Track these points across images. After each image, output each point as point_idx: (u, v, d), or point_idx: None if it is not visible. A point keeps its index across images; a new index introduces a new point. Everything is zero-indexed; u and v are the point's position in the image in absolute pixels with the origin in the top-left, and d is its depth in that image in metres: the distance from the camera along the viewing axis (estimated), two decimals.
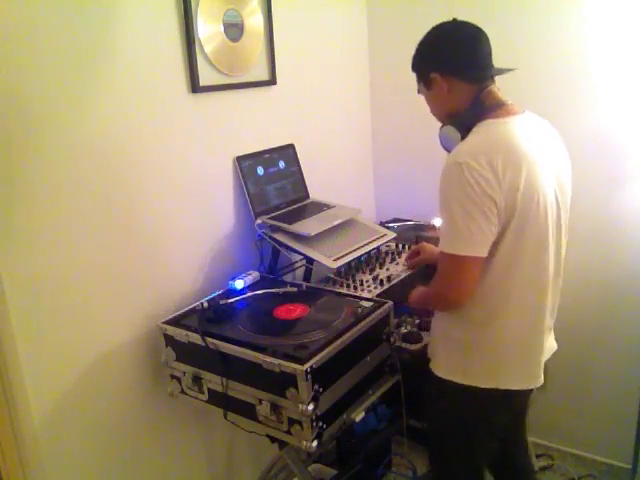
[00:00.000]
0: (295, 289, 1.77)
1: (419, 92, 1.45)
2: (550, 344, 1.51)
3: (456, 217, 1.24)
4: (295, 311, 1.63)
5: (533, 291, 1.36)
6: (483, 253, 1.27)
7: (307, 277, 2.07)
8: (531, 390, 1.47)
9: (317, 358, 1.38)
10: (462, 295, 1.32)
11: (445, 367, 1.46)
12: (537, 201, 1.27)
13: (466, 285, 1.31)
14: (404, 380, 1.65)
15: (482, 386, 1.39)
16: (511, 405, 1.48)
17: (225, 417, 1.54)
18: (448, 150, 1.37)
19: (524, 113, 1.36)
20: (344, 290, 1.86)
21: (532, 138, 1.31)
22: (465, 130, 1.33)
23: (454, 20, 1.38)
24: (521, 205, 1.25)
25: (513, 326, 1.37)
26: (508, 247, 1.29)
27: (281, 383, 1.37)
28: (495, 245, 1.28)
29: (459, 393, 1.42)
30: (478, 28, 1.36)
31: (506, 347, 1.38)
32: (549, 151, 1.35)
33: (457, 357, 1.43)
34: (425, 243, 1.91)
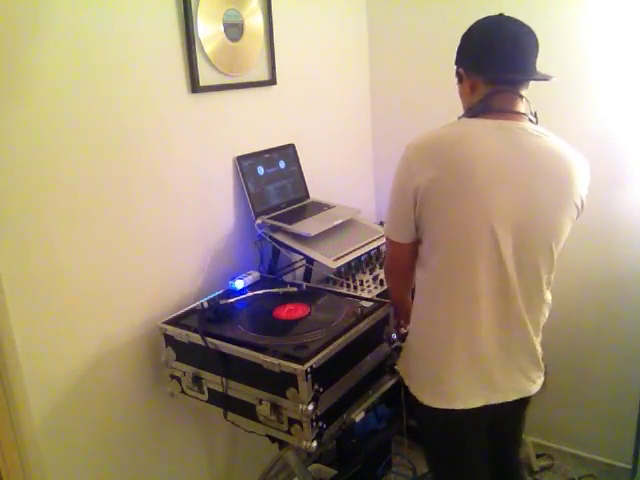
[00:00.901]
0: (295, 289, 1.77)
1: (457, 82, 1.37)
2: (511, 378, 1.37)
3: (390, 201, 1.33)
4: (295, 311, 1.63)
5: (463, 306, 1.29)
6: (406, 239, 1.33)
7: (307, 277, 2.07)
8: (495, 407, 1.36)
9: (317, 358, 1.38)
10: (399, 273, 1.46)
11: (403, 373, 1.50)
12: (477, 208, 1.21)
13: (394, 265, 1.45)
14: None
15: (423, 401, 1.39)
16: (467, 423, 1.39)
17: (225, 417, 1.54)
18: None
19: (522, 122, 1.27)
20: (344, 290, 1.86)
21: (495, 146, 1.22)
22: None
23: (500, 15, 1.29)
24: (451, 208, 1.22)
25: (435, 335, 1.35)
26: (440, 252, 1.29)
27: (281, 383, 1.37)
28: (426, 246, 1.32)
29: (417, 405, 1.41)
30: (519, 24, 1.26)
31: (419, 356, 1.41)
32: (518, 166, 1.23)
33: (408, 364, 1.47)
34: None
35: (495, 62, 1.26)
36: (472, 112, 1.31)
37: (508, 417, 1.50)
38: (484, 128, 1.25)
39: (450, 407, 1.34)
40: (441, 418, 1.37)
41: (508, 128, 1.26)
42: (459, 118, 1.35)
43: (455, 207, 1.23)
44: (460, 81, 1.35)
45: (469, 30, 1.32)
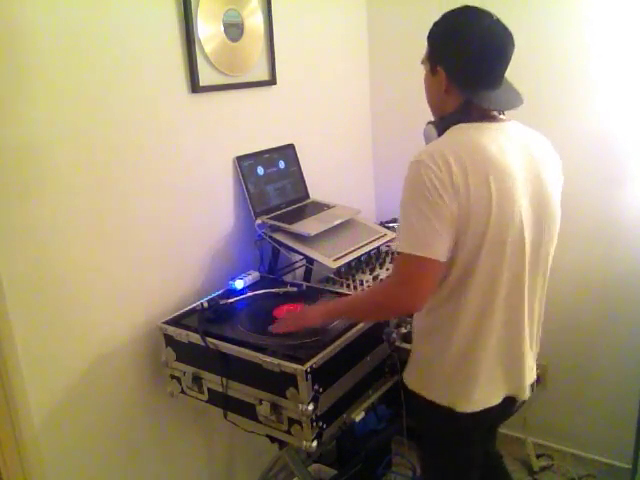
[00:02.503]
0: (295, 289, 1.77)
1: (422, 63, 1.34)
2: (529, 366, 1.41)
3: (412, 217, 1.19)
4: (295, 311, 1.63)
5: (508, 305, 1.29)
6: (439, 256, 1.18)
7: (307, 277, 2.06)
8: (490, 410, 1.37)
9: (317, 358, 1.38)
10: (418, 299, 1.23)
11: (411, 378, 1.43)
12: (505, 209, 1.20)
13: (422, 288, 1.21)
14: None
15: (440, 403, 1.34)
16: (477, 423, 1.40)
17: (225, 417, 1.54)
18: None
19: (506, 122, 1.28)
20: (344, 290, 1.86)
21: (508, 146, 1.24)
22: (441, 132, 1.28)
23: (493, 20, 1.24)
24: (483, 215, 1.18)
25: (462, 342, 1.30)
26: (467, 256, 1.22)
27: (281, 383, 1.37)
28: (454, 252, 1.21)
29: (426, 408, 1.37)
30: (511, 40, 1.25)
31: (448, 364, 1.33)
32: (531, 164, 1.27)
33: (421, 368, 1.40)
34: None
35: (481, 80, 1.25)
36: (456, 117, 1.27)
37: (507, 412, 1.52)
38: (491, 131, 1.25)
39: (480, 408, 1.34)
40: (464, 420, 1.35)
41: (507, 128, 1.28)
42: (437, 123, 1.31)
43: (493, 215, 1.20)
44: (434, 74, 1.30)
45: (459, 31, 1.26)
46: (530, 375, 1.42)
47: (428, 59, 1.32)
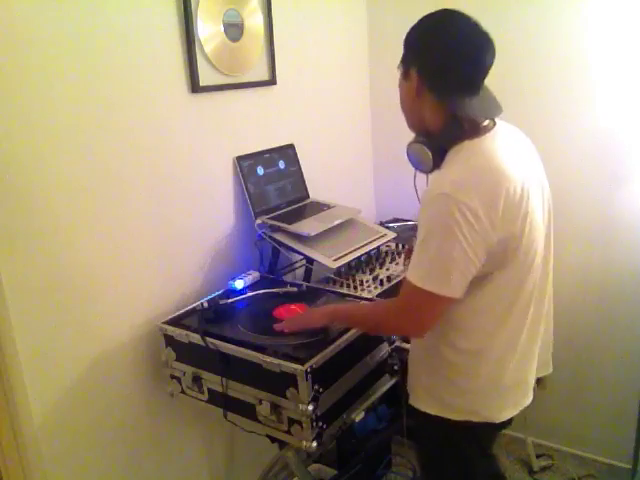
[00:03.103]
0: (295, 289, 1.77)
1: (397, 68, 1.30)
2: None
3: (434, 251, 1.14)
4: (295, 311, 1.63)
5: (526, 319, 1.29)
6: (456, 294, 1.16)
7: (307, 277, 2.06)
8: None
9: (317, 358, 1.38)
10: (420, 330, 1.24)
11: (431, 401, 1.36)
12: (530, 224, 1.19)
13: (428, 321, 1.21)
14: (404, 380, 1.65)
15: (473, 419, 1.31)
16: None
17: (225, 417, 1.54)
18: (417, 168, 1.31)
19: (495, 126, 1.24)
20: (344, 290, 1.86)
21: (513, 154, 1.22)
22: (437, 150, 1.24)
23: (472, 23, 1.19)
24: (518, 235, 1.17)
25: (498, 358, 1.29)
26: (501, 276, 1.21)
27: (281, 383, 1.37)
28: (486, 281, 1.20)
29: (449, 428, 1.33)
30: (491, 45, 1.19)
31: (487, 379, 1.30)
32: (529, 163, 1.27)
33: (442, 388, 1.33)
34: None
35: (455, 84, 1.20)
36: (449, 134, 1.22)
37: None
38: (495, 145, 1.21)
39: (500, 419, 1.33)
40: (482, 430, 1.34)
41: (502, 136, 1.25)
42: (426, 142, 1.26)
43: (525, 233, 1.19)
44: (405, 77, 1.27)
45: (435, 33, 1.22)
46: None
47: (402, 63, 1.28)
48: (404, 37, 1.28)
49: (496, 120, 1.27)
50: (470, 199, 1.10)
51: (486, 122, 1.24)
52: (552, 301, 1.41)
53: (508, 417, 1.35)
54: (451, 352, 1.29)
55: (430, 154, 1.25)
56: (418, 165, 1.30)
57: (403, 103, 1.31)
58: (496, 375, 1.29)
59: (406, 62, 1.27)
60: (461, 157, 1.19)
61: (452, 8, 1.23)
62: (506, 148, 1.22)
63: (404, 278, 1.22)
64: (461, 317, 1.25)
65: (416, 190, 1.35)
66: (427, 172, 1.30)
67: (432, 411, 1.34)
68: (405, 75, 1.27)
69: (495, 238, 1.14)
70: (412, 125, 1.32)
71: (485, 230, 1.12)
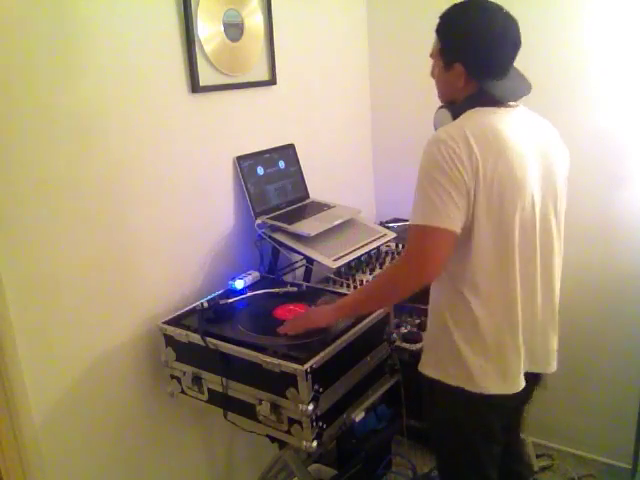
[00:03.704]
0: (295, 289, 1.77)
1: (431, 56, 1.39)
2: (545, 348, 1.46)
3: (429, 190, 1.23)
4: (295, 311, 1.63)
5: (519, 287, 1.33)
6: (455, 227, 1.23)
7: (307, 277, 2.06)
8: (519, 396, 1.40)
9: (317, 358, 1.38)
10: (431, 270, 1.27)
11: (433, 366, 1.42)
12: (518, 190, 1.26)
13: (436, 259, 1.25)
14: (404, 380, 1.65)
15: (467, 388, 1.35)
16: (501, 409, 1.42)
17: (225, 417, 1.54)
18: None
19: (516, 108, 1.34)
20: (344, 290, 1.86)
21: (520, 130, 1.30)
22: (457, 116, 1.33)
23: (504, 13, 1.29)
24: (499, 192, 1.24)
25: (494, 323, 1.33)
26: (491, 233, 1.27)
27: (281, 383, 1.37)
28: (475, 231, 1.26)
29: (448, 394, 1.38)
30: (518, 28, 1.29)
31: (486, 347, 1.34)
32: (540, 146, 1.33)
33: (446, 355, 1.38)
34: None
35: (495, 70, 1.31)
36: (469, 102, 1.32)
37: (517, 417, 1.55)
38: (503, 116, 1.29)
39: (514, 389, 1.36)
40: (494, 401, 1.36)
41: (517, 114, 1.33)
42: (450, 107, 1.36)
43: (510, 192, 1.26)
44: (448, 70, 1.34)
45: (473, 26, 1.29)
46: (552, 348, 1.46)
47: (441, 54, 1.35)
48: (437, 27, 1.35)
49: (520, 105, 1.35)
50: (457, 144, 1.22)
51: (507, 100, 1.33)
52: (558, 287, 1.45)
53: (504, 392, 1.35)
54: (455, 309, 1.35)
55: (450, 117, 1.35)
56: (439, 126, 1.37)
57: (445, 89, 1.39)
58: (497, 335, 1.34)
59: (448, 55, 1.34)
60: (466, 116, 1.30)
61: None
62: (513, 122, 1.30)
63: (408, 227, 1.30)
64: (462, 270, 1.32)
65: None
66: None
67: (434, 375, 1.39)
68: (448, 67, 1.34)
69: (474, 186, 1.22)
70: (444, 98, 1.42)
71: (468, 175, 1.22)
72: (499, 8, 1.29)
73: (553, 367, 1.48)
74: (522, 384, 1.37)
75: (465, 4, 1.31)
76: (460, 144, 1.22)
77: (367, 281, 1.92)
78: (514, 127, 1.29)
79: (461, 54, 1.31)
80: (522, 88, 1.34)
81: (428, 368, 1.42)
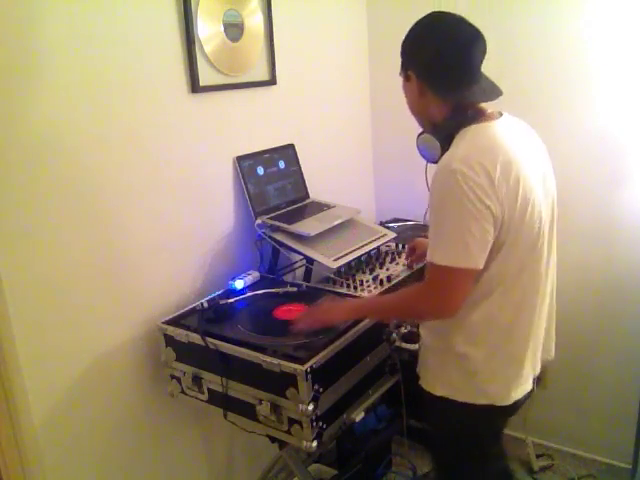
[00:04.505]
0: (295, 289, 1.77)
1: (400, 74, 1.38)
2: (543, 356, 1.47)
3: (449, 227, 1.19)
4: (295, 311, 1.63)
5: (528, 301, 1.33)
6: (479, 265, 1.21)
7: (307, 277, 2.06)
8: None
9: (317, 358, 1.38)
10: (453, 308, 1.24)
11: (441, 383, 1.39)
12: (532, 205, 1.25)
13: (459, 298, 1.23)
14: (404, 380, 1.65)
15: (478, 403, 1.34)
16: (508, 412, 1.42)
17: (225, 417, 1.54)
18: (428, 159, 1.36)
19: (502, 116, 1.32)
20: (344, 290, 1.86)
21: (516, 140, 1.28)
22: (444, 138, 1.29)
23: (453, 17, 1.28)
24: (518, 212, 1.22)
25: (510, 338, 1.33)
26: (511, 252, 1.25)
27: (281, 383, 1.37)
28: (494, 254, 1.24)
29: (458, 410, 1.36)
30: (478, 34, 1.27)
31: (498, 361, 1.34)
32: (533, 152, 1.32)
33: (453, 372, 1.36)
34: (419, 239, 1.88)
35: (454, 79, 1.27)
36: (453, 121, 1.29)
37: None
38: (497, 131, 1.27)
39: (513, 400, 1.36)
40: (501, 415, 1.38)
41: (507, 125, 1.31)
42: (433, 131, 1.33)
43: (527, 207, 1.24)
44: (407, 80, 1.35)
45: (426, 33, 1.31)
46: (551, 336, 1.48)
47: (401, 68, 1.36)
48: (401, 43, 1.36)
49: (504, 113, 1.34)
50: (476, 174, 1.16)
51: (490, 110, 1.31)
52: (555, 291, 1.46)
53: (511, 401, 1.36)
54: (459, 327, 1.33)
55: (438, 143, 1.31)
56: (429, 156, 1.35)
57: (411, 105, 1.40)
58: (499, 349, 1.33)
59: (404, 66, 1.36)
60: (467, 138, 1.25)
61: (440, 10, 1.32)
62: (509, 134, 1.27)
63: (427, 262, 1.25)
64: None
65: (427, 185, 1.38)
66: (437, 161, 1.33)
67: (438, 392, 1.38)
68: (406, 78, 1.35)
69: (499, 211, 1.19)
70: (424, 125, 1.40)
71: (491, 201, 1.17)
72: (452, 16, 1.29)
73: (553, 354, 1.50)
74: (530, 387, 1.39)
75: (423, 17, 1.33)
76: (478, 171, 1.16)
77: (367, 281, 1.92)
78: (512, 142, 1.26)
79: (411, 60, 1.33)
80: (493, 93, 1.29)
81: (435, 387, 1.39)
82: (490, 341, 1.32)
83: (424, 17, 1.32)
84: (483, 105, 1.31)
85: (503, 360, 1.34)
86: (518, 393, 1.36)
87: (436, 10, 1.33)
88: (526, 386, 1.39)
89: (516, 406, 1.40)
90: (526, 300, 1.32)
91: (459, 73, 1.27)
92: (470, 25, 1.27)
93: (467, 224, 1.17)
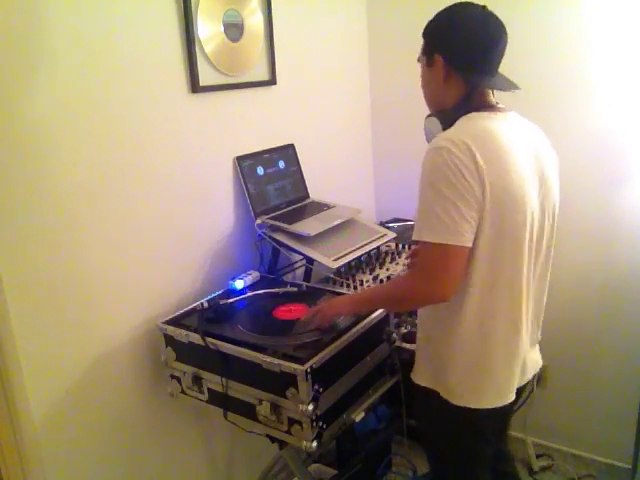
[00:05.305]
0: (295, 289, 1.77)
1: (418, 60, 1.37)
2: (532, 358, 1.45)
3: (436, 204, 1.17)
4: (295, 311, 1.63)
5: (511, 296, 1.30)
6: (467, 243, 1.19)
7: (307, 277, 2.07)
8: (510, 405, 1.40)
9: (317, 358, 1.38)
10: (448, 288, 1.21)
11: (426, 375, 1.41)
12: (518, 199, 1.22)
13: (451, 278, 1.20)
14: (404, 380, 1.65)
15: (459, 404, 1.34)
16: (495, 416, 1.40)
17: (225, 417, 1.54)
18: (429, 142, 1.34)
19: (507, 112, 1.32)
20: (344, 290, 1.86)
21: (515, 137, 1.27)
22: (448, 124, 1.29)
23: (484, 9, 1.29)
24: (501, 201, 1.20)
25: (494, 333, 1.31)
26: (489, 245, 1.22)
27: (281, 383, 1.37)
28: (475, 241, 1.21)
29: (441, 405, 1.36)
30: (503, 28, 1.29)
31: (484, 359, 1.33)
32: (533, 152, 1.31)
33: (438, 366, 1.37)
34: None
35: (482, 64, 1.29)
36: (459, 109, 1.29)
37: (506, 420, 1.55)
38: (496, 121, 1.27)
39: (504, 402, 1.35)
40: (484, 415, 1.35)
41: (509, 119, 1.31)
42: (439, 116, 1.33)
43: (511, 201, 1.22)
44: (430, 65, 1.33)
45: (458, 21, 1.30)
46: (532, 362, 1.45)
47: (424, 53, 1.35)
48: (423, 30, 1.35)
49: (513, 112, 1.34)
50: (462, 152, 1.17)
51: (495, 102, 1.32)
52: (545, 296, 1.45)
53: (491, 405, 1.34)
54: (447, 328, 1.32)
55: (441, 127, 1.31)
56: (430, 135, 1.34)
57: (430, 89, 1.38)
58: (504, 362, 1.33)
59: (429, 51, 1.33)
60: (463, 121, 1.26)
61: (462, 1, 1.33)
62: (508, 129, 1.27)
63: (415, 241, 1.24)
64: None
65: None
66: None
67: (426, 384, 1.39)
68: (429, 63, 1.33)
69: (481, 195, 1.18)
70: (432, 105, 1.39)
71: (475, 182, 1.17)
72: (479, 6, 1.29)
73: (540, 363, 1.49)
74: (513, 396, 1.37)
75: (447, 7, 1.32)
76: (464, 151, 1.17)
77: (367, 281, 1.92)
78: (511, 132, 1.27)
79: (440, 45, 1.31)
80: (511, 84, 1.33)
81: (423, 379, 1.41)
82: (465, 349, 1.31)
83: (451, 7, 1.32)
84: (493, 100, 1.33)
85: (477, 368, 1.32)
86: (494, 402, 1.34)
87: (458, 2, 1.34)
88: (510, 395, 1.36)
89: (501, 413, 1.37)
90: (499, 309, 1.29)
91: (488, 60, 1.29)
92: (496, 16, 1.30)
93: (453, 201, 1.16)
